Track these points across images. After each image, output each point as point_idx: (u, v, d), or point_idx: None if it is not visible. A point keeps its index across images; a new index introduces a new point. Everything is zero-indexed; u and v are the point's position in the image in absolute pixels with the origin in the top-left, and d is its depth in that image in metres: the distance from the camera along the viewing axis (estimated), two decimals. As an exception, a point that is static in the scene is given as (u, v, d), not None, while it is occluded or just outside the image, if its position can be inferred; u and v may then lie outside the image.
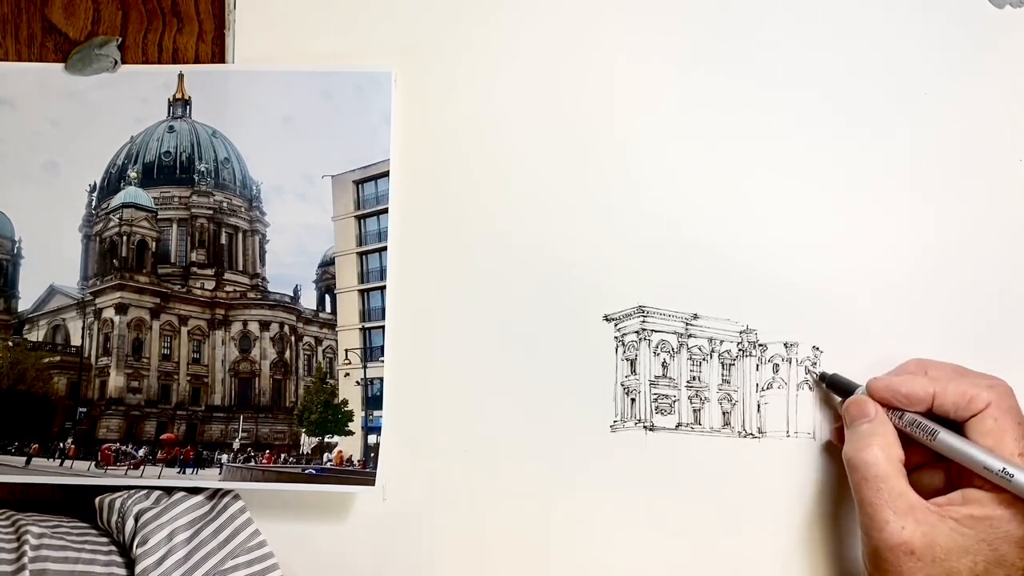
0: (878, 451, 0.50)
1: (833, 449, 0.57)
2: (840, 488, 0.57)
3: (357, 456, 0.58)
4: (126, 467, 0.58)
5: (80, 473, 0.58)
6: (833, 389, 0.57)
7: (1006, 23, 0.59)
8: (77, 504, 0.59)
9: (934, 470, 0.53)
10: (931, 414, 0.52)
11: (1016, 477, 0.47)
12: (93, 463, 0.58)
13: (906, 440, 0.52)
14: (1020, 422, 0.50)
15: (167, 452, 0.59)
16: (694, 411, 0.59)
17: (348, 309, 0.59)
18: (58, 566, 0.51)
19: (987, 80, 0.59)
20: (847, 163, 0.59)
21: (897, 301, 0.58)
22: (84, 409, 0.59)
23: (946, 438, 0.50)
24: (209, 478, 0.58)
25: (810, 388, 0.58)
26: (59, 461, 0.59)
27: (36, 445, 0.59)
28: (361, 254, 0.59)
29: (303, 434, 0.59)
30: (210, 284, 0.61)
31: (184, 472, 0.58)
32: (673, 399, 0.59)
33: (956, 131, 0.59)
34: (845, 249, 0.59)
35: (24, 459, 0.59)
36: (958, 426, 0.51)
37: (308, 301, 0.60)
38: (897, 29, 0.59)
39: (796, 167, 0.59)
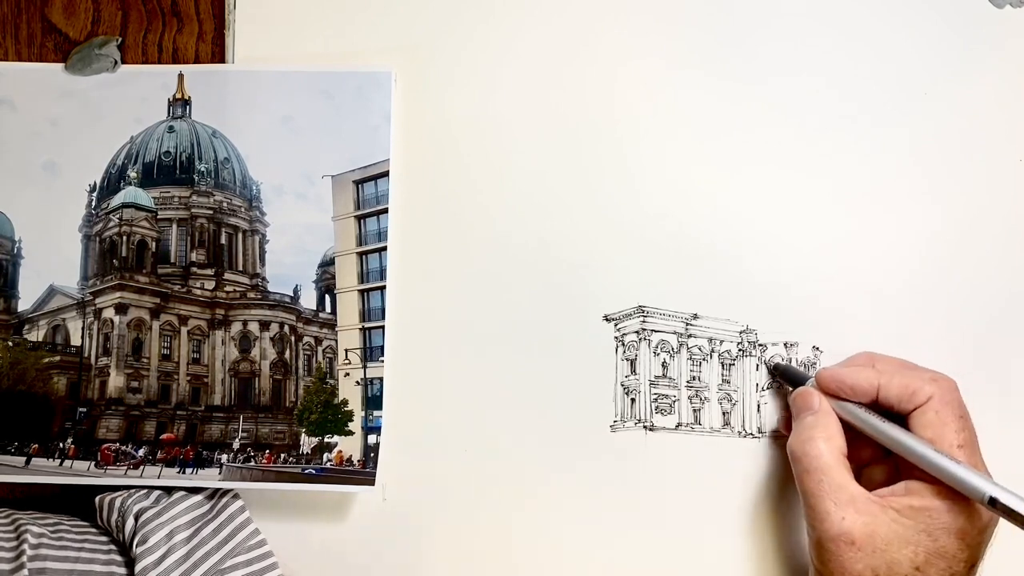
0: (821, 443, 0.51)
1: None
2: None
3: (357, 456, 0.58)
4: (126, 467, 0.58)
5: (80, 473, 0.58)
6: (784, 379, 0.58)
7: (1006, 23, 0.59)
8: (77, 504, 0.59)
9: (882, 466, 0.53)
10: (876, 406, 0.52)
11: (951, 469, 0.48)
12: (93, 463, 0.58)
13: (857, 436, 0.52)
14: (962, 415, 0.50)
15: (167, 452, 0.59)
16: (694, 411, 0.59)
17: (348, 309, 0.59)
18: (57, 565, 0.51)
19: (987, 80, 0.59)
20: (847, 163, 0.59)
21: (897, 301, 0.58)
22: (84, 409, 0.59)
23: (886, 428, 0.51)
24: (209, 478, 0.58)
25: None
26: (59, 461, 0.59)
27: (36, 445, 0.59)
28: (361, 254, 0.59)
29: (303, 434, 0.59)
30: (210, 284, 0.61)
31: (184, 472, 0.58)
32: (673, 399, 0.59)
33: (956, 131, 0.59)
34: (845, 249, 0.59)
35: (24, 459, 0.59)
36: (902, 419, 0.51)
37: (308, 301, 0.60)
38: (897, 29, 0.59)
39: (796, 167, 0.59)
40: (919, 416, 0.50)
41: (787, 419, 0.57)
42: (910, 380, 0.51)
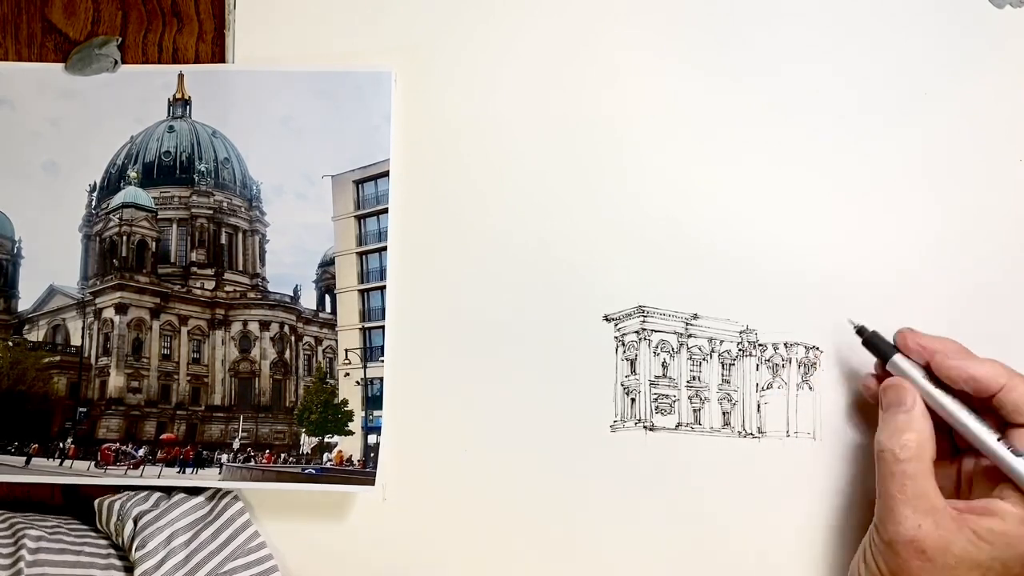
0: (912, 446, 0.49)
1: (835, 448, 0.57)
2: (840, 488, 0.57)
3: (357, 456, 0.58)
4: (126, 467, 0.58)
5: (80, 473, 0.58)
6: (869, 349, 0.55)
7: (1006, 23, 0.59)
8: (77, 505, 0.59)
9: (946, 468, 0.52)
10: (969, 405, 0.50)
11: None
12: (93, 463, 0.58)
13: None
14: None
15: (167, 452, 0.59)
16: (694, 411, 0.59)
17: (348, 309, 0.59)
18: (56, 570, 0.51)
19: (987, 80, 0.59)
20: (847, 163, 0.59)
21: (897, 301, 0.58)
22: (84, 409, 0.59)
23: (981, 434, 0.49)
24: (209, 478, 0.58)
25: (808, 386, 0.58)
26: (59, 461, 0.59)
27: (36, 445, 0.59)
28: (361, 254, 0.59)
29: (303, 434, 0.59)
30: (210, 284, 0.61)
31: (184, 472, 0.58)
32: (673, 399, 0.59)
33: (956, 131, 0.59)
34: (845, 249, 0.59)
35: (24, 459, 0.59)
36: (1005, 426, 0.50)
37: (308, 301, 0.60)
38: (897, 29, 0.59)
39: (796, 167, 0.59)
40: None
41: (874, 385, 0.54)
42: None
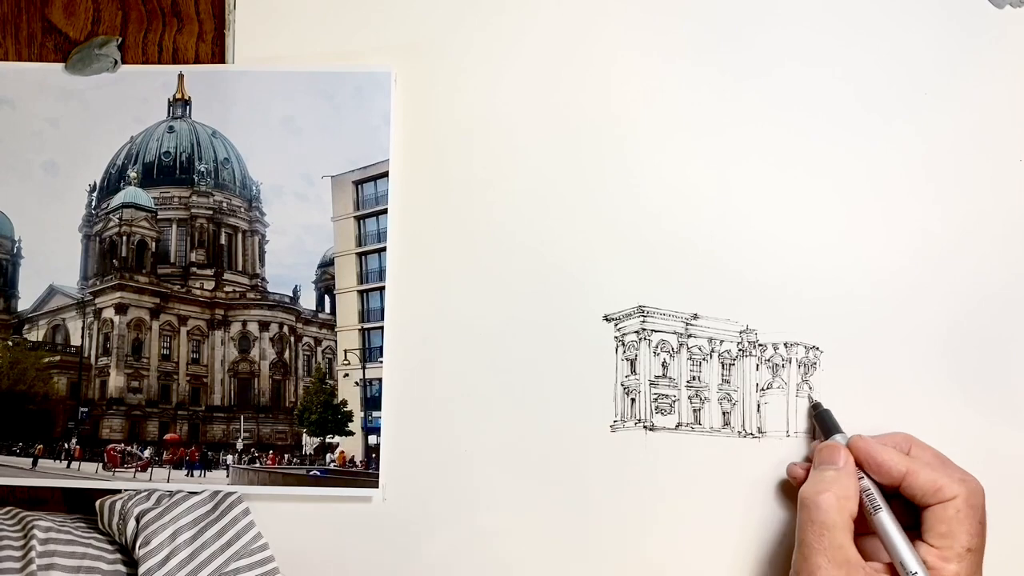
0: (833, 499, 0.50)
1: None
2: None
3: (359, 457, 0.58)
4: (134, 469, 0.59)
5: (89, 476, 0.58)
6: (818, 423, 0.57)
7: (1006, 23, 0.59)
8: (81, 506, 0.59)
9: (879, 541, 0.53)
10: (893, 491, 0.52)
11: None
12: (100, 465, 0.59)
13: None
14: (981, 521, 0.50)
15: (172, 453, 0.59)
16: (694, 411, 0.59)
17: (347, 310, 0.60)
18: (66, 561, 0.52)
19: (987, 80, 0.59)
20: (847, 163, 0.59)
21: (897, 301, 0.58)
22: (85, 409, 0.59)
23: (885, 518, 0.51)
24: (217, 480, 0.58)
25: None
26: (66, 463, 0.59)
27: (41, 446, 0.59)
28: (360, 254, 0.59)
29: (305, 434, 0.59)
30: (210, 284, 0.61)
31: (192, 475, 0.58)
32: (673, 399, 0.59)
33: (956, 131, 0.59)
34: (845, 249, 0.59)
35: (30, 460, 0.59)
36: (918, 511, 0.51)
37: (307, 301, 0.60)
38: (897, 29, 0.59)
39: (796, 167, 0.59)
40: (939, 510, 0.50)
41: (803, 472, 0.56)
42: (939, 476, 0.50)
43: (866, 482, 0.52)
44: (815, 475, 0.53)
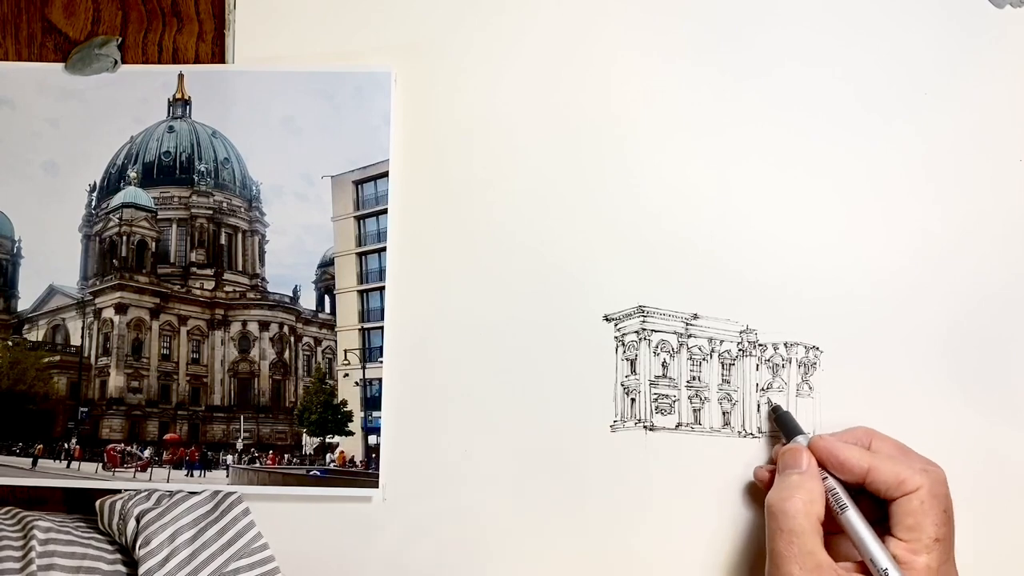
0: (799, 504, 0.50)
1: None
2: (840, 488, 0.57)
3: (359, 457, 0.58)
4: (134, 469, 0.59)
5: (88, 476, 0.58)
6: (779, 426, 0.57)
7: (1006, 23, 0.59)
8: (81, 506, 0.59)
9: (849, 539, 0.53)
10: (859, 487, 0.52)
11: None
12: (100, 465, 0.59)
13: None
14: (946, 509, 0.50)
15: (172, 453, 0.59)
16: (694, 411, 0.59)
17: (347, 310, 0.60)
18: (65, 561, 0.52)
19: (987, 80, 0.59)
20: (847, 163, 0.59)
21: (897, 301, 0.58)
22: (85, 409, 0.59)
23: (852, 517, 0.51)
24: (217, 480, 0.58)
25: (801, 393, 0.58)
26: (66, 463, 0.59)
27: (41, 446, 0.59)
28: (360, 254, 0.59)
29: (305, 434, 0.59)
30: (210, 284, 0.61)
31: (192, 475, 0.58)
32: (673, 399, 0.59)
33: (956, 131, 0.59)
34: (845, 249, 0.59)
35: (30, 460, 0.59)
36: (884, 504, 0.51)
37: (307, 301, 0.60)
38: (897, 29, 0.59)
39: (796, 167, 0.59)
40: (904, 503, 0.50)
41: (771, 471, 0.56)
42: (901, 469, 0.50)
43: (831, 481, 0.52)
44: (779, 481, 0.53)
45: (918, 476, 0.50)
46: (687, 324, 0.59)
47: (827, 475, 0.52)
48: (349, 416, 0.59)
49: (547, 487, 0.58)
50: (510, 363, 0.59)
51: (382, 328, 0.59)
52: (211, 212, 0.61)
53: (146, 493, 0.57)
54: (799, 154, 0.59)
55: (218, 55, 0.60)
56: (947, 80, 0.59)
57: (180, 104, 0.60)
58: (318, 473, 0.58)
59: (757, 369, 0.59)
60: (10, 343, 0.60)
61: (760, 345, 0.59)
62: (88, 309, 0.60)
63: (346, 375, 0.59)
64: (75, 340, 0.60)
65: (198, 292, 0.61)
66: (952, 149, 0.59)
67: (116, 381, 0.60)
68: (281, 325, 0.60)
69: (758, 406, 0.59)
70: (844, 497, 0.52)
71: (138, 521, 0.54)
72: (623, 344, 0.59)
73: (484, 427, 0.58)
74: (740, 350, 0.59)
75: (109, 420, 0.59)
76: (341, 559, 0.58)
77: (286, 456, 0.59)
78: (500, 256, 0.59)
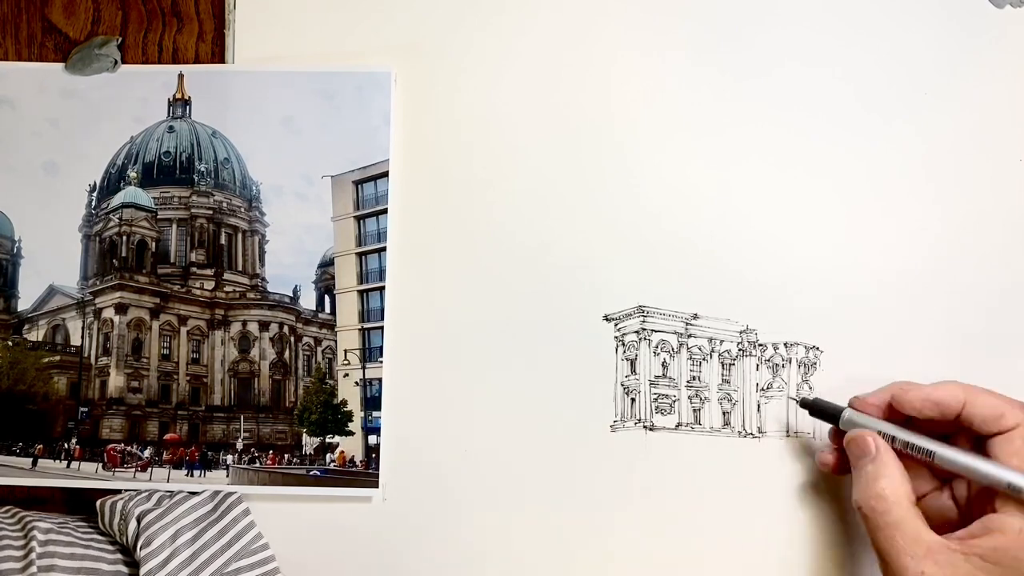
0: (886, 493, 0.48)
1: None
2: (840, 488, 0.57)
3: (359, 457, 0.58)
4: (134, 469, 0.59)
5: (88, 476, 0.58)
6: (817, 415, 0.55)
7: (1006, 23, 0.59)
8: (81, 506, 0.59)
9: (940, 493, 0.51)
10: (947, 432, 0.50)
11: None
12: (100, 465, 0.59)
13: (909, 465, 0.50)
14: None
15: (172, 453, 0.59)
16: (694, 411, 0.59)
17: (347, 309, 0.60)
18: (66, 562, 0.52)
19: (987, 80, 0.59)
20: (847, 163, 0.59)
21: (897, 301, 0.58)
22: (85, 409, 0.59)
23: (947, 453, 0.48)
24: (217, 480, 0.58)
25: (808, 392, 0.58)
26: (66, 463, 0.59)
27: (41, 446, 0.59)
28: (360, 254, 0.59)
29: (305, 434, 0.59)
30: (210, 284, 0.61)
31: (192, 475, 0.58)
32: (673, 399, 0.59)
33: (956, 131, 0.59)
34: (845, 249, 0.59)
35: (30, 460, 0.59)
36: (980, 442, 0.49)
37: (307, 301, 0.60)
38: (897, 29, 0.59)
39: (796, 167, 0.59)
40: (1004, 443, 0.47)
41: (837, 459, 0.53)
42: (999, 401, 0.48)
43: (901, 438, 0.50)
44: (858, 476, 0.50)
45: (1019, 412, 0.48)
46: (687, 324, 0.59)
47: (893, 437, 0.50)
48: (349, 416, 0.59)
49: (547, 487, 0.58)
50: (510, 363, 0.59)
51: (382, 328, 0.59)
52: (211, 212, 0.61)
53: (146, 493, 0.57)
54: (799, 154, 0.59)
55: (218, 55, 0.60)
56: (947, 80, 0.59)
57: (180, 104, 0.60)
58: (318, 473, 0.58)
59: (757, 369, 0.59)
60: (10, 343, 0.60)
61: (760, 345, 0.59)
62: (88, 309, 0.60)
63: (346, 375, 0.59)
64: (75, 340, 0.60)
65: (198, 292, 0.61)
66: (952, 149, 0.59)
67: (116, 381, 0.60)
68: (281, 325, 0.60)
69: (758, 406, 0.59)
70: (928, 443, 0.49)
71: (139, 521, 0.54)
72: (623, 344, 0.59)
73: (484, 427, 0.58)
74: (740, 350, 0.59)
75: (109, 420, 0.59)
76: (341, 559, 0.58)
77: (286, 456, 0.59)
78: (500, 256, 0.59)
